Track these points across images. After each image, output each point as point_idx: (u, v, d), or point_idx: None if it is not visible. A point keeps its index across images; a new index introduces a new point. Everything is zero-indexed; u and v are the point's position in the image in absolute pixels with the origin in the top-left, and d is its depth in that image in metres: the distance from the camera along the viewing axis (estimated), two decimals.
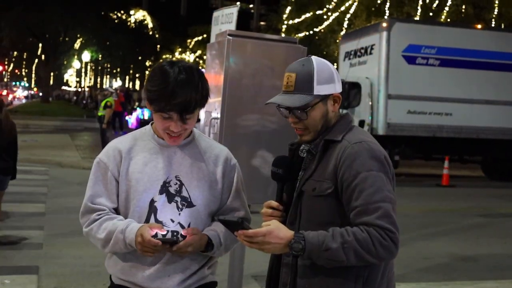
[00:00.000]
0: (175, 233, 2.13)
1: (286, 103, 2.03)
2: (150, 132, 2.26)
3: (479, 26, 15.93)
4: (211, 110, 4.13)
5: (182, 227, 2.16)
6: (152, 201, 2.16)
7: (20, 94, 61.73)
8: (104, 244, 2.15)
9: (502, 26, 20.44)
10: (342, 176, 1.94)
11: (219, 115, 3.91)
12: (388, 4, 22.03)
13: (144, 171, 2.18)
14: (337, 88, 2.07)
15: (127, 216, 2.18)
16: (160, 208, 2.16)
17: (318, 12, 24.79)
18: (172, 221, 2.17)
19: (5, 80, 56.92)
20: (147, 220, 2.16)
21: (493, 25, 20.63)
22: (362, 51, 14.47)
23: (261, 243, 1.89)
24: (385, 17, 20.41)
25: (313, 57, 2.10)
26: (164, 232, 2.08)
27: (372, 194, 1.89)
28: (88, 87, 54.38)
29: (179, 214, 2.18)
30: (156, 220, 2.16)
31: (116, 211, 2.21)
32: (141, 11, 44.38)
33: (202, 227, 2.19)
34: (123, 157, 2.20)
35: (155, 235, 2.02)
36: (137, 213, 2.17)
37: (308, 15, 25.25)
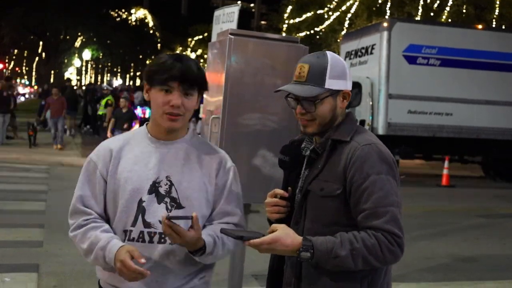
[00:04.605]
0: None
1: (297, 92, 2.02)
2: (144, 131, 2.22)
3: (480, 27, 15.91)
4: (212, 109, 4.13)
5: None
6: (140, 201, 2.10)
7: (21, 91, 61.81)
8: (86, 255, 2.09)
9: (503, 27, 20.42)
10: (351, 178, 1.93)
11: (220, 114, 3.91)
12: (389, 4, 22.00)
13: (134, 170, 2.12)
14: (348, 85, 2.07)
15: (115, 216, 2.12)
16: (148, 209, 2.09)
17: (319, 11, 24.77)
18: (160, 222, 2.04)
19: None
20: (135, 221, 2.09)
21: (494, 26, 20.61)
22: (363, 50, 14.47)
23: (267, 250, 1.88)
24: (386, 17, 20.38)
25: (328, 52, 2.09)
26: (144, 261, 1.93)
27: (381, 198, 1.89)
28: (84, 85, 54.40)
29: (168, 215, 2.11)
30: (144, 221, 2.09)
31: (105, 213, 2.16)
32: (142, 9, 44.40)
33: None
34: (113, 156, 2.15)
35: (170, 217, 1.93)
36: (125, 213, 2.10)
37: (309, 14, 25.22)
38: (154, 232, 2.08)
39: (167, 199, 2.10)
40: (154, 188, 2.10)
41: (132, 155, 2.16)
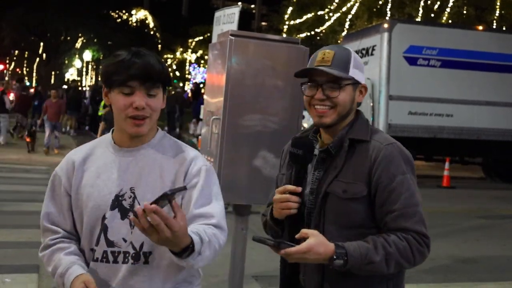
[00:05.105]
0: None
1: (325, 69, 1.92)
2: (108, 138, 2.01)
3: (480, 28, 15.90)
4: (213, 110, 4.13)
5: (134, 248, 1.90)
6: (103, 218, 1.91)
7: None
8: (52, 276, 1.97)
9: (504, 28, 20.42)
10: (378, 179, 1.89)
11: (220, 115, 3.91)
12: (389, 5, 22.01)
13: (96, 185, 1.93)
14: (364, 80, 2.05)
15: (82, 233, 1.97)
16: (111, 226, 1.90)
17: (319, 12, 24.76)
18: (125, 240, 1.89)
19: (6, 78, 56.96)
20: (97, 241, 1.92)
21: (494, 27, 20.61)
22: (364, 52, 14.46)
23: (299, 259, 1.83)
24: (387, 18, 20.39)
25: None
26: None
27: (408, 198, 1.89)
28: (89, 86, 54.42)
29: (131, 232, 1.89)
30: (107, 240, 1.91)
31: (75, 228, 2.01)
32: (142, 10, 44.39)
33: (161, 248, 1.81)
34: (76, 168, 1.98)
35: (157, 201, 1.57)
36: (88, 232, 1.94)
37: (309, 15, 25.22)
38: (118, 252, 1.91)
39: (130, 214, 1.83)
40: (117, 203, 1.91)
41: (95, 167, 1.97)
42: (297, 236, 1.83)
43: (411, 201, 1.90)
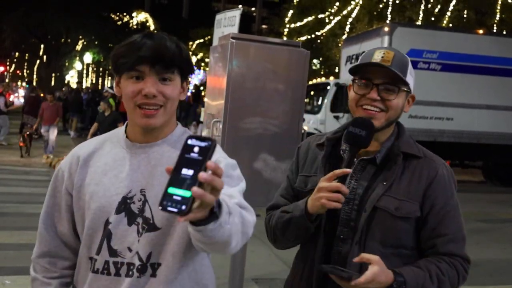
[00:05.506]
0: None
1: (392, 68, 1.76)
2: (121, 132, 1.77)
3: (480, 32, 15.92)
4: (213, 112, 4.14)
5: (140, 259, 1.65)
6: (107, 223, 1.67)
7: (22, 94, 62.11)
8: None
9: (504, 32, 20.44)
10: (434, 200, 1.81)
11: (221, 118, 3.92)
12: (390, 8, 22.04)
13: (102, 183, 1.69)
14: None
15: (82, 238, 1.73)
16: (115, 232, 1.65)
17: (320, 15, 24.80)
18: (130, 250, 1.64)
19: (7, 80, 57.02)
20: (99, 248, 1.67)
21: (494, 31, 20.63)
22: None
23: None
24: (387, 21, 20.41)
25: None
26: None
27: (460, 223, 1.87)
28: (87, 87, 54.47)
29: (138, 240, 1.65)
30: (110, 249, 1.66)
31: (76, 231, 1.79)
32: (143, 13, 44.43)
33: (170, 259, 1.64)
34: (80, 164, 1.74)
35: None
36: (89, 237, 1.69)
37: (310, 18, 25.26)
38: (121, 263, 1.65)
39: (139, 219, 1.65)
40: (124, 206, 1.66)
41: (102, 163, 1.72)
42: (355, 259, 1.72)
43: (461, 225, 1.87)
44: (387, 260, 1.73)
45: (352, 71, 1.85)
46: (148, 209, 1.65)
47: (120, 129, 1.78)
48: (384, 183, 1.79)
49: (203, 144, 1.20)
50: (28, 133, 14.32)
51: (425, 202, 1.81)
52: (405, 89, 1.83)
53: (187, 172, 1.17)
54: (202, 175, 1.15)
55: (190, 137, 1.21)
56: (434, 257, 1.83)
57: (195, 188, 1.14)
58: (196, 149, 1.19)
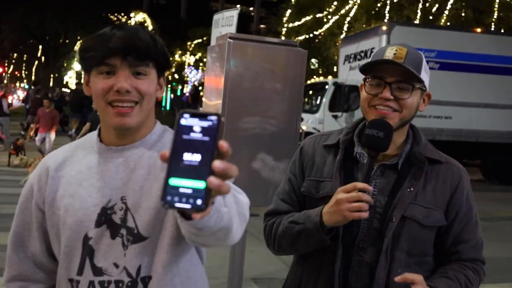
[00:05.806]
0: None
1: (404, 65, 1.68)
2: (93, 136, 1.59)
3: (478, 30, 15.93)
4: None
5: (129, 274, 1.48)
6: (86, 238, 1.48)
7: (21, 95, 62.10)
8: None
9: (502, 30, 20.46)
10: (459, 207, 1.78)
11: None
12: (388, 7, 22.05)
13: (77, 194, 1.50)
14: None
15: (59, 258, 1.55)
16: (98, 248, 1.48)
17: (318, 15, 24.81)
18: (116, 266, 1.47)
19: (5, 81, 57.03)
20: (80, 268, 1.48)
21: (492, 29, 20.64)
22: (362, 54, 14.47)
23: None
24: (385, 20, 20.42)
25: None
26: None
27: (479, 226, 1.85)
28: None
29: (125, 254, 1.48)
30: (94, 267, 1.48)
31: (50, 251, 1.60)
32: (141, 13, 44.42)
33: (160, 270, 1.48)
34: (50, 176, 1.55)
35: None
36: (67, 256, 1.50)
37: (308, 18, 25.26)
38: (108, 282, 1.48)
39: (123, 231, 1.48)
40: (104, 218, 1.48)
41: (75, 172, 1.54)
42: (398, 279, 1.63)
43: (480, 230, 1.85)
44: (409, 269, 1.69)
45: (363, 70, 1.75)
46: (131, 218, 1.48)
47: (93, 134, 1.61)
48: (409, 190, 1.72)
49: (206, 122, 0.96)
50: (20, 142, 13.60)
51: (450, 209, 1.77)
52: (420, 86, 1.74)
53: (191, 157, 0.94)
54: (219, 165, 0.93)
55: (185, 112, 0.97)
56: (458, 263, 1.80)
57: (212, 178, 0.92)
58: (196, 128, 0.96)
